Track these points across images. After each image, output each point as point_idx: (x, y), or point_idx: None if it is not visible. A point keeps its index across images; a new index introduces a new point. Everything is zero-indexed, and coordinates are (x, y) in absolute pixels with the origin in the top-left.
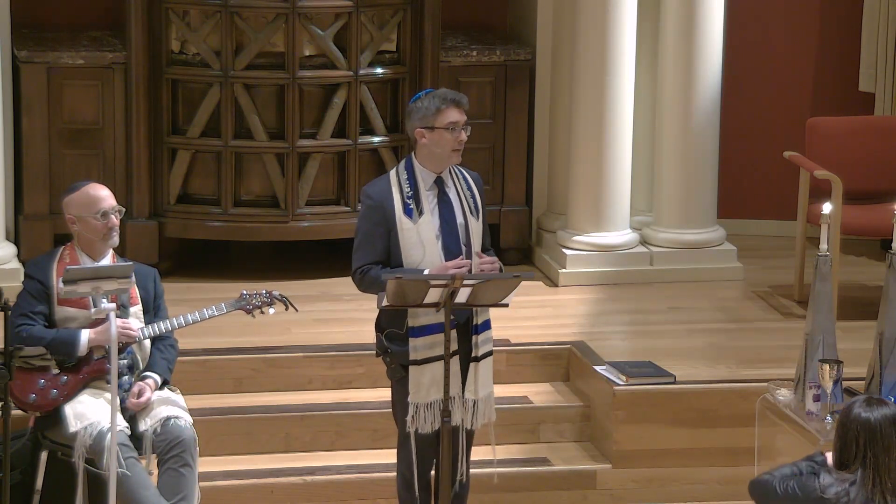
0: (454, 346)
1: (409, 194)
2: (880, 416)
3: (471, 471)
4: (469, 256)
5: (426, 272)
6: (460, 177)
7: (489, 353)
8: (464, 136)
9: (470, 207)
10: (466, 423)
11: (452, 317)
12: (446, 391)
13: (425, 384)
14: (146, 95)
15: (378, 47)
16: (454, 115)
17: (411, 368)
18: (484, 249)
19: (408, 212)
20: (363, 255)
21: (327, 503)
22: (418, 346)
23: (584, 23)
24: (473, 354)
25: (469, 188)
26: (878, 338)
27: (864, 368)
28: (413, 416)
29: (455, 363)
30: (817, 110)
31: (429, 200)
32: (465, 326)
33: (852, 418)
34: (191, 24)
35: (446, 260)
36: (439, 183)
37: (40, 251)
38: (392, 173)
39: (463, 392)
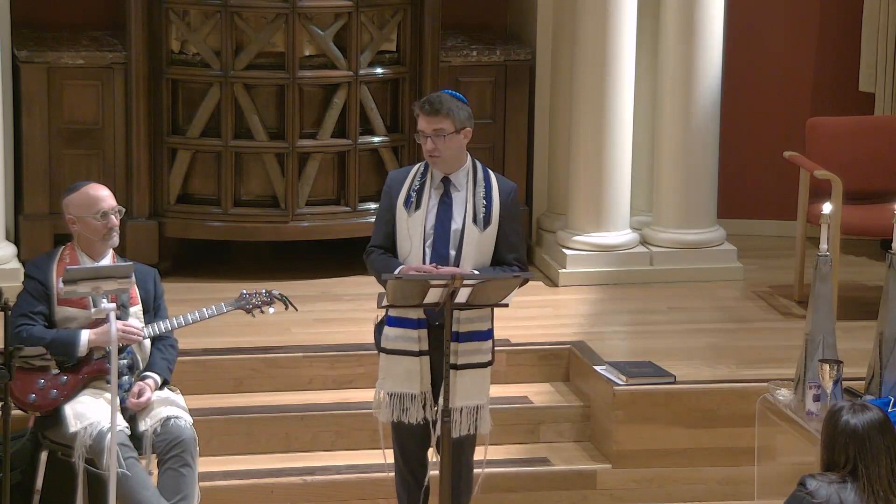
0: (424, 346)
1: (416, 187)
2: (868, 424)
3: (475, 472)
4: (457, 262)
5: (397, 271)
6: (483, 183)
7: (476, 365)
8: (430, 144)
9: (476, 215)
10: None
11: (424, 315)
12: (446, 389)
13: (390, 374)
14: (146, 95)
15: (378, 47)
16: (421, 123)
17: (381, 355)
18: (503, 262)
19: (407, 203)
20: (372, 237)
21: (327, 503)
22: (389, 336)
23: (584, 23)
24: (452, 362)
25: (486, 196)
26: (878, 338)
27: (864, 368)
28: (376, 402)
29: (425, 363)
30: (817, 110)
31: (431, 198)
32: (441, 329)
33: (840, 428)
34: (191, 24)
35: (431, 258)
36: (446, 183)
37: (40, 251)
38: (417, 164)
39: (436, 398)
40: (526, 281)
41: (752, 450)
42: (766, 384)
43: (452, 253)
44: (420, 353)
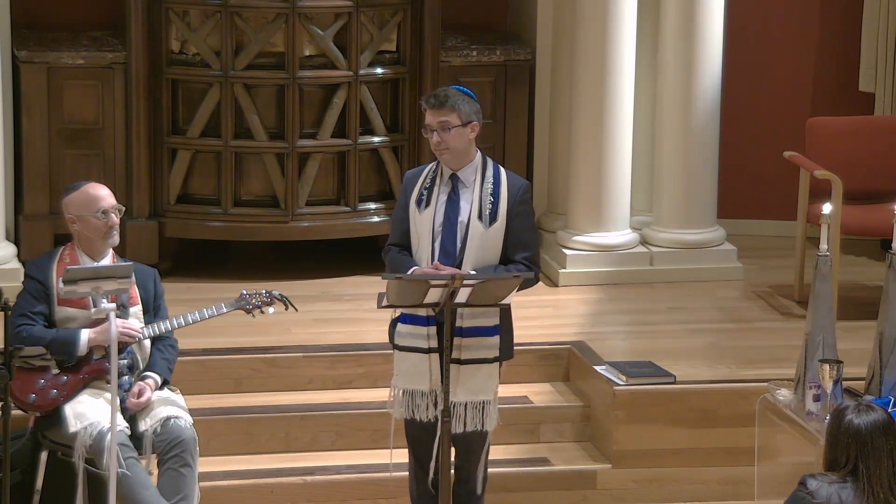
0: (433, 343)
1: (426, 185)
2: (871, 425)
3: (487, 472)
4: (461, 258)
5: (411, 271)
6: (492, 179)
7: (481, 361)
8: (435, 138)
9: (481, 212)
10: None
11: (433, 312)
12: (446, 390)
13: (401, 371)
14: (146, 95)
15: (378, 47)
16: (427, 117)
17: (395, 352)
18: (510, 262)
19: (419, 201)
20: (390, 235)
21: (327, 503)
22: (401, 333)
23: (584, 23)
24: (455, 356)
25: (494, 192)
26: (878, 338)
27: (864, 368)
28: (390, 399)
29: (434, 360)
30: (817, 110)
31: (440, 195)
32: (450, 327)
33: (843, 428)
34: (191, 24)
35: (438, 256)
36: (454, 180)
37: (40, 251)
38: (432, 163)
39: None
40: (536, 279)
41: (752, 450)
42: (766, 384)
43: (459, 245)
44: (429, 350)
